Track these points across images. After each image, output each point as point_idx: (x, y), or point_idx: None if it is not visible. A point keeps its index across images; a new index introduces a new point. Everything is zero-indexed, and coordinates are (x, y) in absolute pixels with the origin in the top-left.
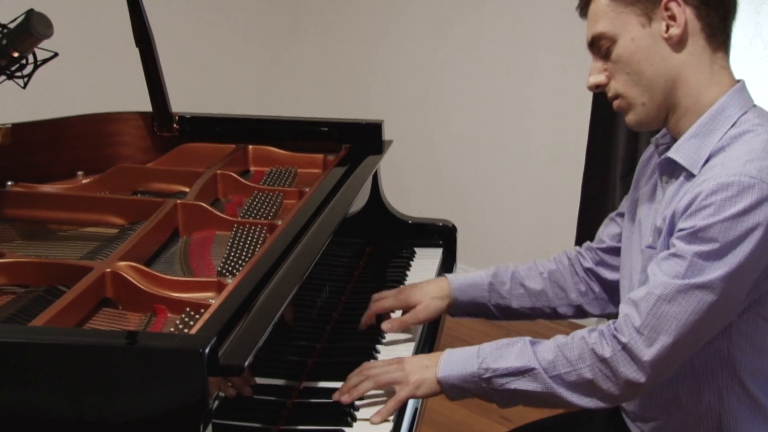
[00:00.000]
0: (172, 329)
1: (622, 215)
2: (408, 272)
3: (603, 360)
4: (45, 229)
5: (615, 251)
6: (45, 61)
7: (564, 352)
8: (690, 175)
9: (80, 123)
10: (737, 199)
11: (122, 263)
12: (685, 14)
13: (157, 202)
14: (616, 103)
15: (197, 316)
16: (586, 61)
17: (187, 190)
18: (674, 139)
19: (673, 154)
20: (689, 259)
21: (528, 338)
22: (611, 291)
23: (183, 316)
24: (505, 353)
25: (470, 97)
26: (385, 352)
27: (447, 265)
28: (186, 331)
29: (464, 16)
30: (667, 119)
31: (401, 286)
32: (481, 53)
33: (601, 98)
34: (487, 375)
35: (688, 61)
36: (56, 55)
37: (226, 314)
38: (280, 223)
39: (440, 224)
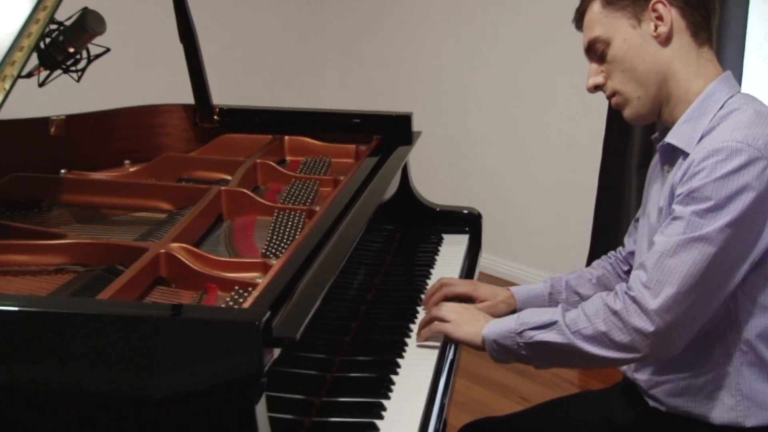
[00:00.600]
0: (223, 306)
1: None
2: (437, 257)
3: (615, 312)
4: (98, 214)
5: None
6: (97, 56)
7: (584, 310)
8: (686, 156)
9: (127, 115)
10: (727, 161)
11: (175, 244)
12: (671, 14)
13: (203, 188)
14: (614, 100)
15: (246, 294)
16: None
17: (228, 177)
18: (669, 130)
19: (670, 138)
20: (687, 218)
21: (564, 305)
22: None
23: (233, 293)
24: (540, 313)
25: (491, 91)
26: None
27: (473, 251)
28: (239, 305)
29: (487, 12)
30: (661, 111)
31: (472, 279)
32: (503, 49)
33: None
34: (521, 329)
35: (676, 56)
36: (108, 50)
37: (275, 291)
38: (318, 209)
39: (466, 212)
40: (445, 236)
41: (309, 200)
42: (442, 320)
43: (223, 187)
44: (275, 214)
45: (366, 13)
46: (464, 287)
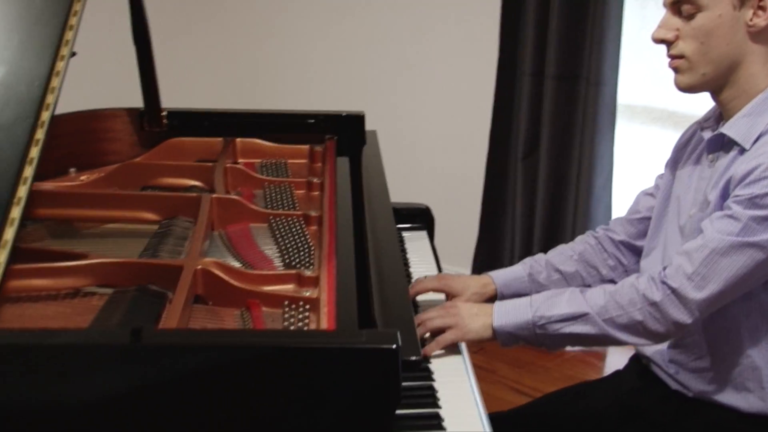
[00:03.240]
0: (285, 324)
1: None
2: (408, 255)
3: (653, 303)
4: (73, 228)
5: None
6: None
7: (615, 298)
8: (742, 150)
9: (70, 120)
10: None
11: (208, 260)
12: None
13: (191, 197)
14: (674, 62)
15: (302, 309)
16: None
17: (198, 184)
18: (720, 116)
19: (726, 130)
20: (744, 222)
21: (575, 288)
22: None
23: (286, 309)
24: (556, 302)
25: (378, 84)
26: None
27: (432, 243)
28: (307, 323)
29: (357, 10)
30: (717, 92)
31: (441, 273)
32: (383, 46)
33: (502, 89)
34: (542, 322)
35: (756, 51)
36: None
37: (352, 310)
38: (314, 213)
39: (418, 208)
40: (404, 234)
41: (295, 205)
42: (441, 330)
43: (213, 196)
44: (270, 221)
45: (226, 13)
46: (435, 283)
